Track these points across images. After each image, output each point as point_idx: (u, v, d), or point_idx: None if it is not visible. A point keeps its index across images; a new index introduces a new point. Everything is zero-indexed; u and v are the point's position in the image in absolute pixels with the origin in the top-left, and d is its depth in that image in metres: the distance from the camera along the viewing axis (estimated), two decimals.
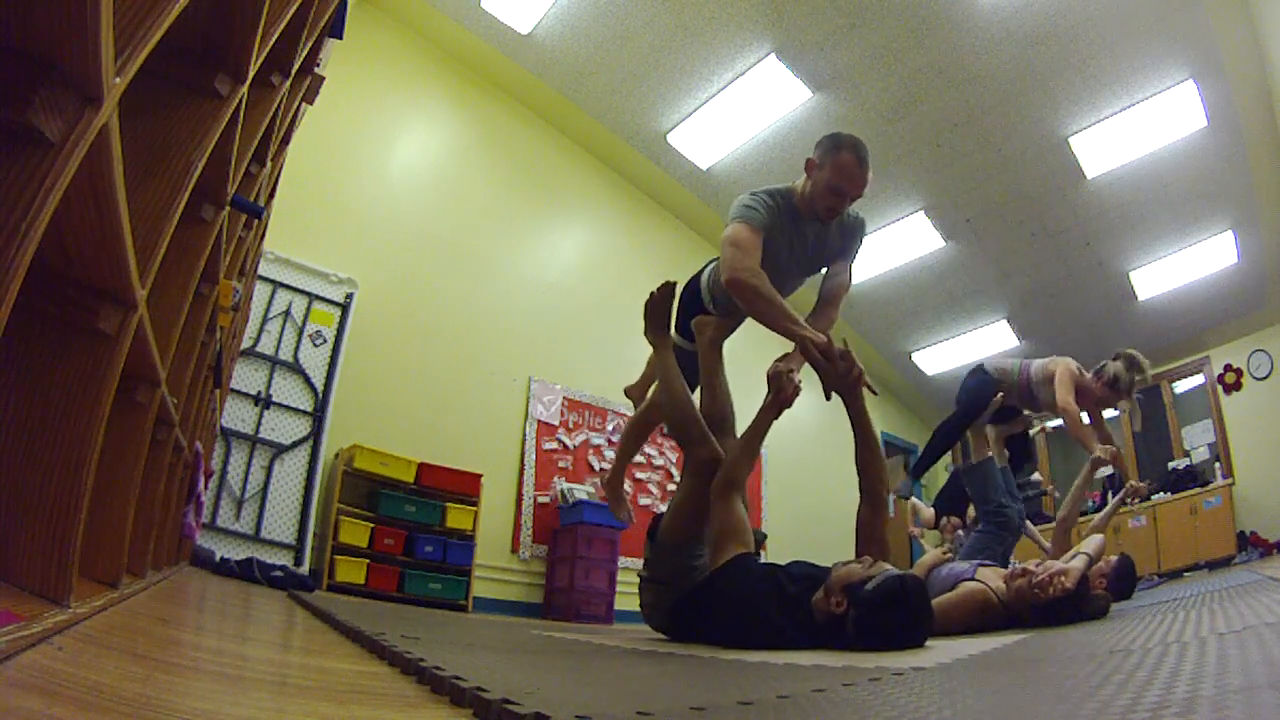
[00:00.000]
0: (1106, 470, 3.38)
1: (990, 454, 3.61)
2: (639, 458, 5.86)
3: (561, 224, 6.11)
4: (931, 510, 5.04)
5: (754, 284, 1.99)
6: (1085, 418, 3.33)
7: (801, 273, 2.37)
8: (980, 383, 3.58)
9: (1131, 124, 5.12)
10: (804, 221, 2.22)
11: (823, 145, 2.15)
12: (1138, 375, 3.24)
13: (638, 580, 2.19)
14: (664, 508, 6.04)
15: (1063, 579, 2.18)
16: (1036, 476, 4.63)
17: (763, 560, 2.14)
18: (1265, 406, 6.53)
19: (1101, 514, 3.39)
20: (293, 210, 4.04)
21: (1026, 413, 3.77)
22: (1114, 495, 7.13)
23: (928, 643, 1.69)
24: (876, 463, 1.95)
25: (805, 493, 7.13)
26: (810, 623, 1.72)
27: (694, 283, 2.53)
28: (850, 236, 2.32)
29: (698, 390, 2.39)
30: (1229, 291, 6.42)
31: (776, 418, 2.11)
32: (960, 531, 4.62)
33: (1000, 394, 3.54)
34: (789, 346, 2.10)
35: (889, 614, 1.59)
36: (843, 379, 1.88)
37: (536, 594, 4.99)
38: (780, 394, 2.08)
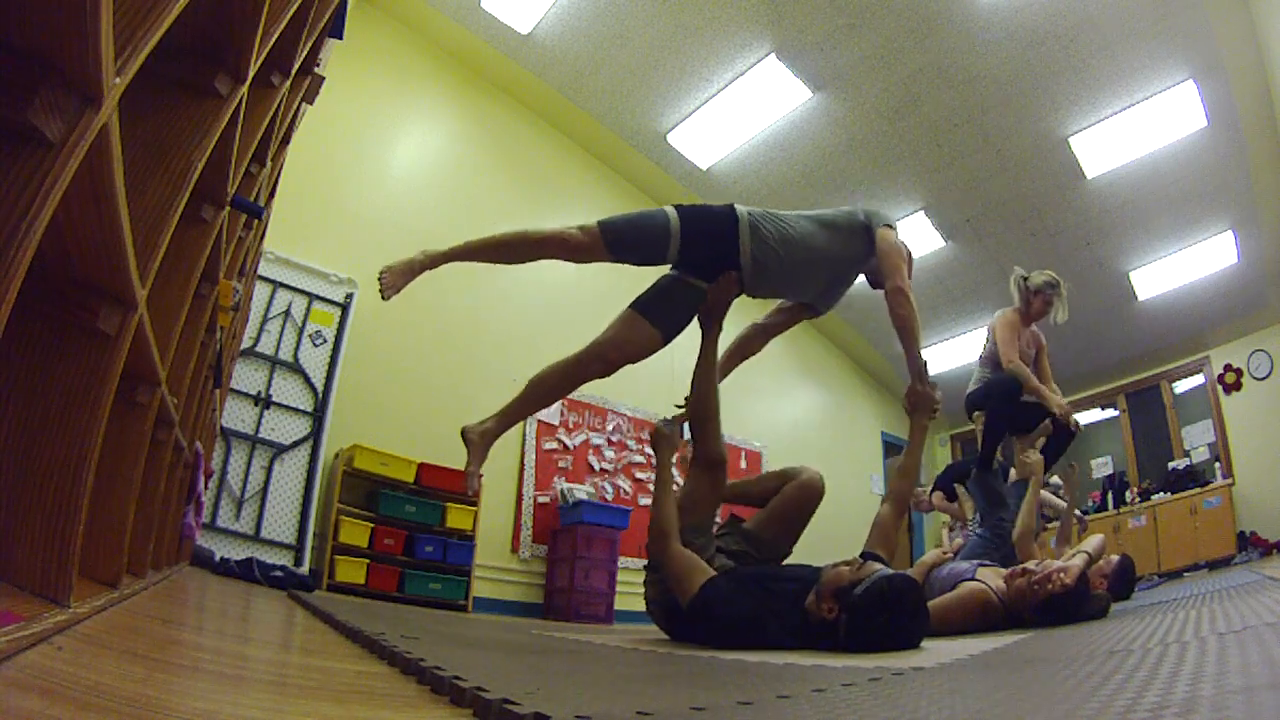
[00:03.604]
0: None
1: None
2: (638, 457, 5.85)
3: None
4: (939, 495, 5.01)
5: (914, 303, 2.28)
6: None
7: (825, 290, 2.52)
8: (997, 379, 3.51)
9: (1131, 124, 5.12)
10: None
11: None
12: (1045, 280, 3.42)
13: (641, 579, 2.20)
14: None
15: (1062, 576, 2.18)
16: (1055, 480, 4.52)
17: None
18: (1265, 406, 6.53)
19: (1060, 522, 3.39)
20: (293, 210, 4.04)
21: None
22: (1112, 495, 7.16)
23: (928, 643, 1.69)
24: (915, 470, 2.25)
25: None
26: (805, 626, 1.71)
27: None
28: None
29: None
30: (1229, 291, 6.42)
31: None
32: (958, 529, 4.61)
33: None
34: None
35: (879, 618, 1.58)
36: (928, 405, 2.29)
37: (536, 594, 4.99)
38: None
